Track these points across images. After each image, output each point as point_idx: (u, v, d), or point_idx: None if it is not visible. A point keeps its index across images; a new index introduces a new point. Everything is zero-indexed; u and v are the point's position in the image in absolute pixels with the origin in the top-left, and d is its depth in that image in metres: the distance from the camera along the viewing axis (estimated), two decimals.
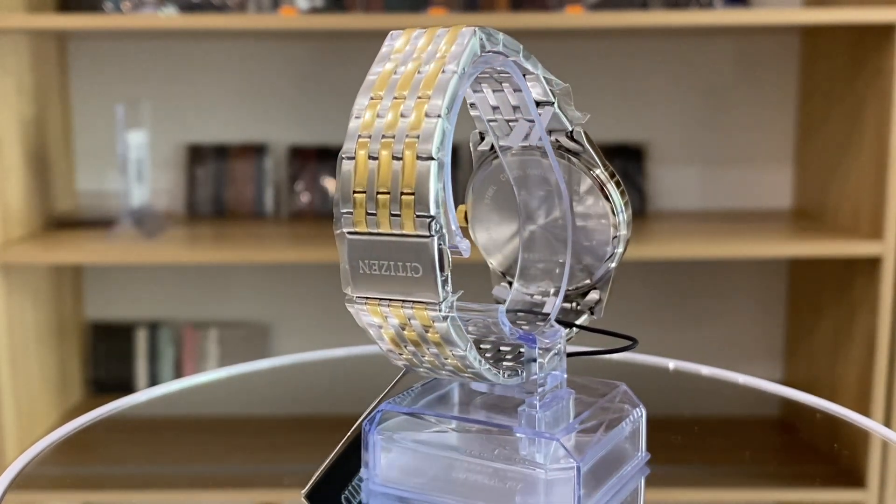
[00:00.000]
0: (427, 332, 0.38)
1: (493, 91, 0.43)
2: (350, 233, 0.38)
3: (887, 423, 1.44)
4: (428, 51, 0.38)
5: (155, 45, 1.67)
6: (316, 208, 1.67)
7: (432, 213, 0.36)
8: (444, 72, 0.37)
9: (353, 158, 0.37)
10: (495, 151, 0.47)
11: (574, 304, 0.48)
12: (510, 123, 0.45)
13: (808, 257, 1.54)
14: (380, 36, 1.83)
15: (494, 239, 0.50)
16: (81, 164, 1.70)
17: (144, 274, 1.72)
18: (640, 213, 1.66)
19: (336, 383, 0.78)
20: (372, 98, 0.38)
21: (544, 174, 0.46)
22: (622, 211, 0.46)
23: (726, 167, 1.70)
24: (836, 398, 1.49)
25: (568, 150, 0.46)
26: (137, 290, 1.72)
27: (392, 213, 0.36)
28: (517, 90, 0.43)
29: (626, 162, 1.66)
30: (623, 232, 0.46)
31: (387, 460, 0.44)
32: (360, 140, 0.37)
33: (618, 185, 0.46)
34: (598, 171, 0.46)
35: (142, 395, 0.65)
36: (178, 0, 1.53)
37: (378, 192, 0.36)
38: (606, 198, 0.46)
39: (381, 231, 0.37)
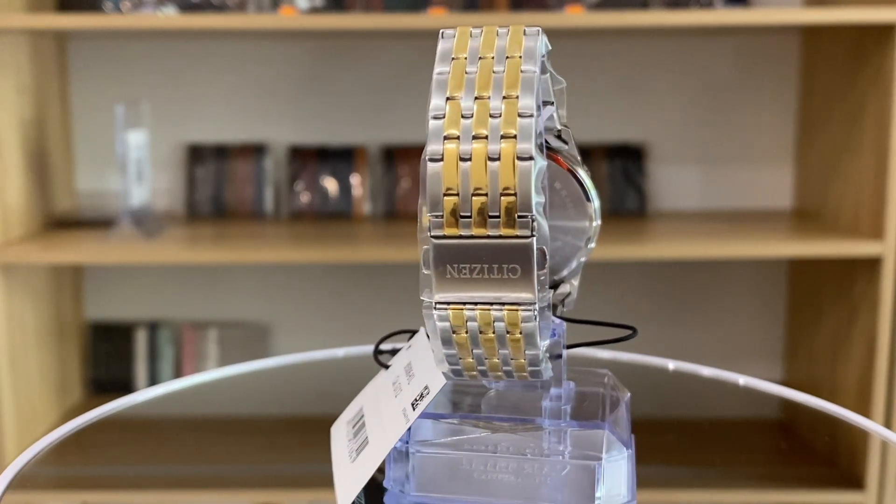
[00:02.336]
0: (509, 333, 0.37)
1: None
2: (436, 237, 0.36)
3: (887, 424, 1.44)
4: (497, 49, 0.37)
5: (155, 45, 1.67)
6: (316, 208, 1.67)
7: (533, 212, 0.35)
8: (523, 71, 0.36)
9: (440, 160, 0.36)
10: None
11: None
12: None
13: (808, 257, 1.54)
14: (380, 36, 1.82)
15: None
16: (81, 164, 1.70)
17: (144, 274, 1.72)
18: (640, 213, 1.66)
19: (336, 383, 0.77)
20: (449, 98, 0.36)
21: None
22: (594, 199, 0.47)
23: (726, 167, 1.70)
24: (837, 399, 1.49)
25: (550, 149, 0.46)
26: (137, 290, 1.72)
27: (490, 214, 0.35)
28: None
29: (626, 162, 1.66)
30: (597, 222, 0.47)
31: (420, 470, 0.44)
32: (448, 141, 0.36)
33: (592, 182, 0.47)
34: (577, 168, 0.47)
35: (141, 395, 0.65)
36: (177, 0, 1.53)
37: (474, 194, 0.35)
38: (586, 195, 0.46)
39: (474, 234, 0.36)
